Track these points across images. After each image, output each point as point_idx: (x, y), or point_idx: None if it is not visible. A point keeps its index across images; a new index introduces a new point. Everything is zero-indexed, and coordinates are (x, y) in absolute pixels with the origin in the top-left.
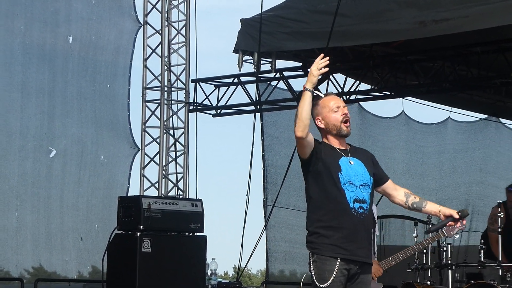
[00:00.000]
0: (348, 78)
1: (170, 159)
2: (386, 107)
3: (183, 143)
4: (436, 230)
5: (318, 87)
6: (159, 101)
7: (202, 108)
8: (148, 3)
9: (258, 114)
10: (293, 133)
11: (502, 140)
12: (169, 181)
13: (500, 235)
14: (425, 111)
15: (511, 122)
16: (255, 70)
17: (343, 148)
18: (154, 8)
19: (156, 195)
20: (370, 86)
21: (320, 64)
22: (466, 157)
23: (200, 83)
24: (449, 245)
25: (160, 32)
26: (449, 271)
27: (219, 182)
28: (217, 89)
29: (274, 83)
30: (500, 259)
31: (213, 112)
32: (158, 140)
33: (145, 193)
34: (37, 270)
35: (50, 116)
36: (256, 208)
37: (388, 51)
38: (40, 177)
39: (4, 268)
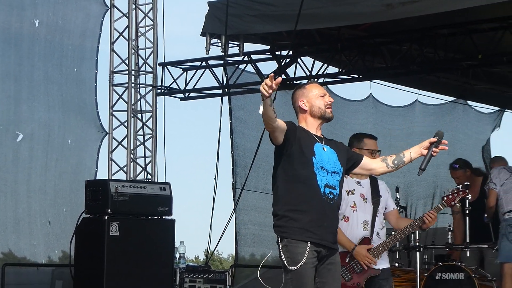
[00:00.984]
0: (315, 61)
1: (138, 143)
2: (354, 90)
3: (151, 127)
4: (427, 163)
5: (286, 70)
6: (127, 84)
7: (170, 91)
8: None
9: (226, 98)
10: (261, 116)
11: (469, 123)
12: (137, 165)
13: (467, 217)
14: (393, 94)
15: (478, 104)
16: (222, 53)
17: (318, 135)
18: None
19: (125, 179)
20: (338, 69)
21: (269, 86)
22: None
23: (167, 66)
24: None
25: (127, 15)
26: (417, 253)
27: (187, 165)
28: (185, 72)
29: (242, 66)
30: (467, 241)
31: (181, 95)
32: (126, 124)
33: (114, 177)
34: (6, 256)
35: (17, 100)
36: (225, 191)
37: (356, 33)
38: (6, 162)
39: None
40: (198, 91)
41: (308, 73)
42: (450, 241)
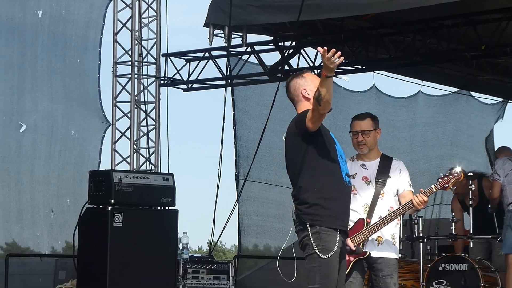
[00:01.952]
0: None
1: (142, 133)
2: (357, 81)
3: (154, 118)
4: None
5: (289, 61)
6: (130, 75)
7: (173, 82)
8: None
9: (229, 89)
10: (264, 108)
11: (472, 114)
12: (140, 156)
13: (471, 208)
14: (396, 85)
15: (482, 95)
16: (226, 44)
17: None
18: None
19: (128, 169)
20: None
21: (333, 59)
22: (437, 131)
23: (171, 57)
24: (420, 218)
25: (131, 6)
26: (421, 244)
27: (191, 156)
28: (188, 63)
29: (245, 57)
30: (471, 232)
31: (184, 86)
32: (129, 114)
33: (117, 168)
34: (10, 246)
35: (20, 91)
36: (228, 182)
37: (359, 24)
38: (10, 152)
39: None
40: (201, 82)
41: (311, 64)
42: (453, 232)
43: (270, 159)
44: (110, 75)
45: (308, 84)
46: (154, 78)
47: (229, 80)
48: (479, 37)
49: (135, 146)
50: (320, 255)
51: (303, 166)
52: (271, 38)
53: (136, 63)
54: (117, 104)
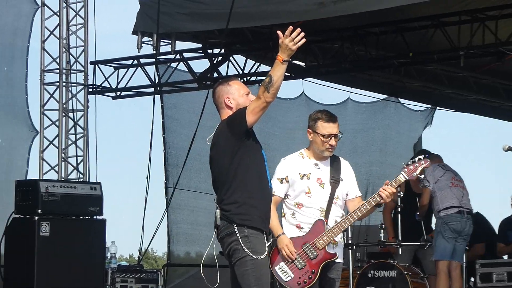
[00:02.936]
0: (248, 59)
1: (70, 142)
2: (286, 88)
3: (82, 126)
4: None
5: (218, 68)
6: (58, 83)
7: (102, 90)
8: None
9: (158, 96)
10: (193, 115)
11: (401, 120)
12: (69, 164)
13: (399, 214)
14: (325, 92)
15: (410, 102)
16: (154, 52)
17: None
18: None
19: (56, 178)
20: (270, 67)
21: (296, 39)
22: (366, 137)
23: (99, 65)
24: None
25: (58, 13)
26: (350, 250)
27: (119, 165)
28: (117, 71)
29: (174, 64)
30: (400, 238)
31: (113, 94)
32: (57, 123)
33: (45, 177)
34: None
35: None
36: (158, 190)
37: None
38: None
39: None
40: (130, 90)
41: (241, 72)
42: (382, 239)
43: (199, 167)
44: (37, 83)
45: (232, 92)
46: (83, 86)
47: (158, 88)
48: (407, 44)
49: (63, 155)
50: (253, 256)
51: (235, 166)
52: (200, 45)
53: (64, 70)
54: (45, 112)
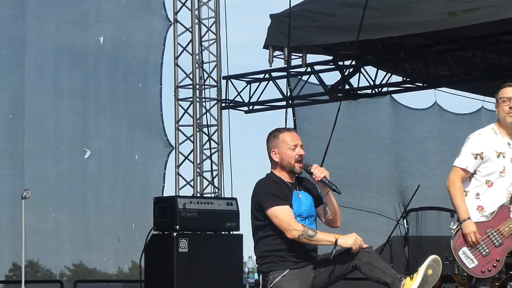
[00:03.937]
0: (379, 70)
1: (204, 157)
2: (418, 99)
3: (216, 141)
4: (329, 184)
5: (349, 80)
6: (192, 99)
7: (234, 105)
8: (177, 1)
9: (290, 109)
10: (325, 128)
11: None
12: (204, 179)
13: None
14: (458, 101)
15: None
16: (285, 65)
17: (292, 182)
18: (184, 6)
19: (192, 193)
20: (401, 77)
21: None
22: None
23: (231, 79)
24: None
25: (191, 29)
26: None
27: (254, 178)
28: (249, 85)
29: (305, 77)
30: None
31: (245, 108)
32: (191, 138)
33: (181, 192)
34: (77, 267)
35: (84, 117)
36: None
37: (418, 42)
38: (76, 178)
39: (45, 266)
40: (262, 104)
41: (372, 83)
42: None
43: (332, 179)
44: (172, 99)
45: (278, 146)
46: (216, 101)
47: (290, 101)
48: None
49: (198, 170)
50: None
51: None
52: (330, 57)
53: (198, 86)
54: (179, 127)
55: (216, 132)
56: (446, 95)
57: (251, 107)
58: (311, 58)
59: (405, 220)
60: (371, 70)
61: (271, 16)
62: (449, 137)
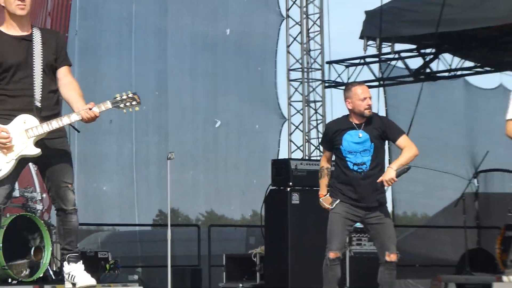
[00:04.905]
0: (454, 57)
1: (312, 126)
2: (487, 81)
3: (321, 113)
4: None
5: (430, 65)
6: (301, 80)
7: (336, 85)
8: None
9: (381, 89)
10: (410, 105)
11: None
12: (311, 145)
13: None
14: None
15: None
16: (377, 53)
17: (357, 122)
18: (294, 4)
19: (301, 156)
20: (473, 63)
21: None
22: None
23: (333, 64)
24: None
25: (300, 23)
26: None
27: None
28: (347, 68)
29: (393, 62)
30: None
31: (344, 87)
32: (301, 111)
33: (292, 155)
34: (209, 214)
35: (214, 94)
36: None
37: (489, 33)
38: (208, 143)
39: (184, 213)
40: None
41: (448, 67)
42: None
43: (417, 145)
44: (285, 80)
45: (350, 96)
46: (320, 81)
47: (381, 82)
48: None
49: (306, 137)
50: None
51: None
52: (414, 46)
53: (305, 69)
54: (291, 103)
55: (321, 107)
56: (510, 77)
57: None
58: (398, 46)
59: (475, 179)
60: (448, 56)
61: (366, 12)
62: None
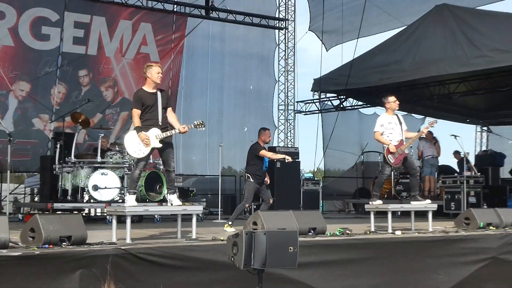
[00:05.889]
0: (354, 99)
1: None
2: (368, 110)
3: (292, 125)
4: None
5: (343, 103)
6: (284, 109)
7: (300, 112)
8: None
9: (319, 115)
10: (333, 121)
11: None
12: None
13: None
14: None
15: None
16: (318, 97)
17: None
18: (281, 74)
19: None
20: (362, 102)
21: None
22: None
23: (299, 102)
24: None
25: (284, 83)
26: None
27: None
28: (305, 104)
29: (327, 102)
30: None
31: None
32: (284, 124)
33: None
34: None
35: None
36: None
37: (370, 90)
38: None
39: (233, 168)
40: None
41: (351, 104)
42: None
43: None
44: (276, 109)
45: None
46: (293, 110)
47: (321, 111)
48: None
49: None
50: None
51: None
52: (335, 94)
53: (286, 105)
54: (279, 119)
55: (293, 122)
56: (380, 109)
57: None
58: (329, 94)
59: (362, 156)
60: (351, 99)
61: (314, 79)
62: None
